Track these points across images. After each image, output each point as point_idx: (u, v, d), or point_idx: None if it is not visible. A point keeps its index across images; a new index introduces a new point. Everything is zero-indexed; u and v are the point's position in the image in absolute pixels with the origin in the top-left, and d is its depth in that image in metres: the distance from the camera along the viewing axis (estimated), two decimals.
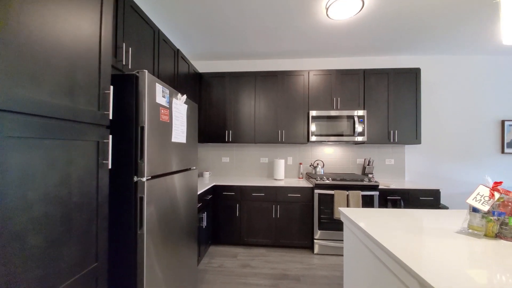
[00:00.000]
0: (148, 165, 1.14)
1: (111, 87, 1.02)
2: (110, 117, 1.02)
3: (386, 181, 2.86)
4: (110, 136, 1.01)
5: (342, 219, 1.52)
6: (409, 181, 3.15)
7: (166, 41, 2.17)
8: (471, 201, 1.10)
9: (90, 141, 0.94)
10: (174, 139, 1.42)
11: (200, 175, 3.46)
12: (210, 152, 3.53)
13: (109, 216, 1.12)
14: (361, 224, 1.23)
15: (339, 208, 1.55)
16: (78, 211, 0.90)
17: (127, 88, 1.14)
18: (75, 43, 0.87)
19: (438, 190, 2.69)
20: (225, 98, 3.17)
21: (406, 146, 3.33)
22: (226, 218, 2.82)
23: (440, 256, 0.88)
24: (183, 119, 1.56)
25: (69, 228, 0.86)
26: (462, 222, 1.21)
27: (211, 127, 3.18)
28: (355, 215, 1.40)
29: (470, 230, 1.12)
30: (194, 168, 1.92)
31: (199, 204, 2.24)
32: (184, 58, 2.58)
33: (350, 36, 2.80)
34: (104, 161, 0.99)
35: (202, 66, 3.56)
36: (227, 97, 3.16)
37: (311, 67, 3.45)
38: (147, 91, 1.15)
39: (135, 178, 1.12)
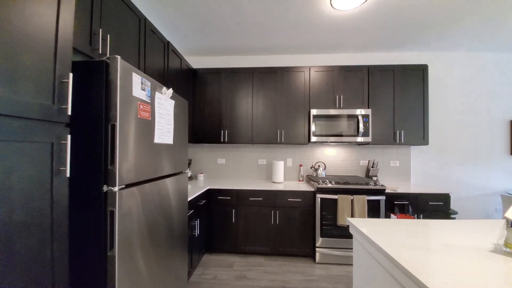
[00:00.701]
0: (121, 171, 0.94)
1: (71, 74, 0.82)
2: (69, 112, 0.82)
3: (392, 185, 2.68)
4: (69, 137, 0.81)
5: (352, 231, 1.33)
6: (415, 184, 2.97)
7: (155, 31, 1.97)
8: (511, 214, 0.91)
9: (40, 142, 0.74)
10: (157, 140, 1.22)
11: (194, 177, 3.25)
12: (204, 153, 3.33)
13: (71, 236, 0.91)
14: (378, 241, 1.03)
15: (348, 218, 1.36)
16: (24, 233, 0.70)
17: (95, 78, 0.94)
18: (21, 18, 0.67)
19: (448, 194, 2.52)
20: (220, 96, 2.97)
21: (412, 147, 3.15)
22: (221, 224, 2.62)
23: (476, 283, 0.69)
24: (169, 116, 1.36)
25: (10, 255, 0.66)
26: (497, 239, 1.02)
27: (205, 127, 2.98)
28: (367, 228, 1.21)
29: (507, 249, 0.93)
30: (185, 172, 1.72)
31: (191, 211, 2.04)
32: (175, 52, 2.38)
33: (354, 30, 2.62)
34: (61, 168, 0.79)
35: (196, 62, 3.36)
36: (223, 95, 2.97)
37: (312, 63, 3.26)
38: (120, 82, 0.95)
39: (105, 188, 0.92)
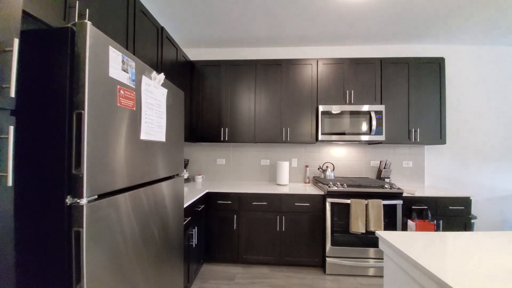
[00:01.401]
0: (91, 176, 0.70)
1: (16, 41, 0.58)
2: (12, 94, 0.57)
3: (409, 188, 2.46)
4: (12, 129, 0.56)
5: (384, 247, 1.09)
6: (430, 187, 2.75)
7: (146, 14, 1.72)
8: None
9: None
10: (145, 136, 0.98)
11: (192, 179, 3.00)
12: (203, 153, 3.08)
13: (21, 267, 0.67)
14: (429, 266, 0.80)
15: (378, 232, 1.12)
16: None
17: (55, 50, 0.69)
18: None
19: (469, 198, 2.31)
20: (220, 90, 2.73)
21: (426, 146, 2.93)
22: (221, 231, 2.37)
23: None
24: (160, 108, 1.12)
25: None
26: None
27: (204, 124, 2.74)
28: (404, 244, 0.98)
29: None
30: (181, 174, 1.47)
31: (188, 219, 1.79)
32: (170, 40, 2.13)
33: (365, 20, 2.40)
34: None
35: (194, 54, 3.11)
36: (223, 89, 2.72)
37: (319, 56, 3.03)
38: (90, 56, 0.70)
39: (68, 200, 0.67)
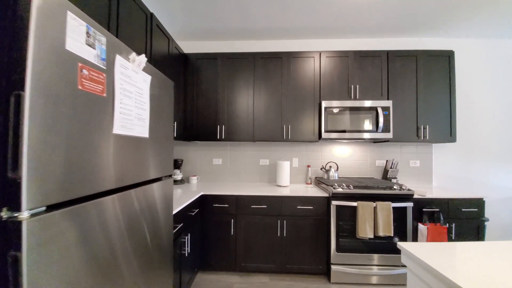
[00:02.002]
0: (36, 182, 0.52)
1: None
2: None
3: (420, 189, 2.30)
4: None
5: (407, 262, 0.92)
6: (439, 187, 2.60)
7: None
8: None
9: None
10: (119, 130, 0.80)
11: (186, 181, 2.82)
12: (198, 153, 2.90)
13: None
14: None
15: (400, 243, 0.96)
16: None
17: None
18: None
19: (482, 199, 2.16)
20: (216, 85, 2.55)
21: (434, 144, 2.78)
22: (217, 237, 2.19)
23: None
24: (142, 97, 0.94)
25: None
26: None
27: (199, 122, 2.55)
28: (437, 260, 0.81)
29: None
30: (169, 176, 1.29)
31: (179, 225, 1.61)
32: (161, 28, 1.95)
33: (370, 11, 2.24)
34: None
35: (189, 47, 2.93)
36: (220, 84, 2.54)
37: (322, 49, 2.86)
38: (36, 21, 0.52)
39: (3, 214, 0.49)
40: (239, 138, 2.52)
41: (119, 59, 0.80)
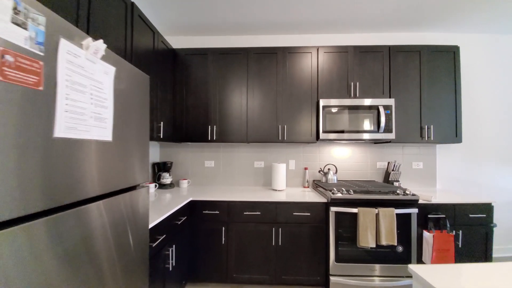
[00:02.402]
0: None
1: None
2: None
3: (425, 193, 2.16)
4: None
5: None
6: (443, 191, 2.45)
7: None
8: None
9: None
10: (63, 133, 0.64)
11: (176, 184, 2.66)
12: (189, 155, 2.74)
13: None
14: None
15: (411, 268, 0.80)
16: None
17: None
18: None
19: (490, 204, 2.01)
20: (207, 83, 2.39)
21: (437, 145, 2.64)
22: (207, 246, 2.03)
23: None
24: (102, 93, 0.78)
25: None
26: None
27: (189, 122, 2.39)
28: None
29: None
30: (143, 184, 1.13)
31: (162, 237, 1.45)
32: (144, 20, 1.79)
33: (371, 3, 2.09)
34: None
35: (178, 43, 2.76)
36: (211, 81, 2.38)
37: (320, 44, 2.71)
38: None
39: None
40: (231, 139, 2.36)
41: (65, 44, 0.64)
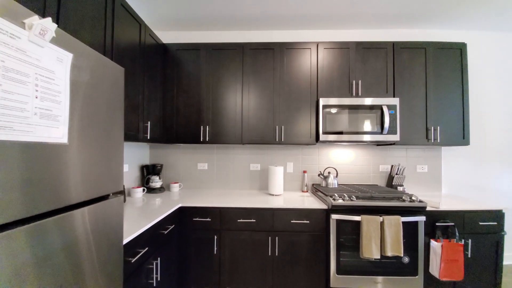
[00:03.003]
0: None
1: None
2: None
3: (432, 200, 2.02)
4: None
5: None
6: (449, 196, 2.32)
7: None
8: None
9: None
10: None
11: (166, 188, 2.50)
12: (180, 157, 2.58)
13: None
14: None
15: None
16: None
17: None
18: None
19: (501, 211, 1.88)
20: (200, 80, 2.24)
21: (443, 148, 2.51)
22: (198, 256, 1.88)
23: None
24: (52, 84, 0.63)
25: None
26: None
27: (180, 122, 2.24)
28: None
29: None
30: (116, 194, 0.97)
31: (145, 249, 1.29)
32: (128, 9, 1.63)
33: None
34: None
35: (169, 38, 2.61)
36: (203, 79, 2.23)
37: (320, 40, 2.57)
38: None
39: None
40: (226, 140, 2.21)
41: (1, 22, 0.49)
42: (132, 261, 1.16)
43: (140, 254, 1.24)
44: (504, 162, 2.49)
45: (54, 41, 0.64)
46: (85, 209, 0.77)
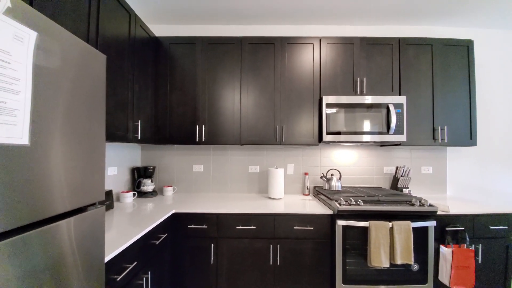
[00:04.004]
0: None
1: None
2: None
3: (442, 203, 1.92)
4: None
5: None
6: (455, 198, 2.23)
7: None
8: None
9: None
10: None
11: (159, 192, 2.34)
12: (175, 158, 2.43)
13: None
14: None
15: None
16: None
17: None
18: None
19: (511, 214, 1.79)
20: (195, 76, 2.09)
21: (448, 149, 2.43)
22: (193, 267, 1.73)
23: None
24: (6, 69, 0.48)
25: None
26: None
27: (174, 121, 2.09)
28: None
29: None
30: (98, 204, 0.83)
31: (133, 264, 1.15)
32: None
33: None
34: None
35: (163, 32, 2.45)
36: (199, 75, 2.09)
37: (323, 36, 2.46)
38: None
39: None
40: (223, 140, 2.07)
41: None
42: (118, 279, 1.02)
43: (129, 269, 1.10)
44: (510, 163, 2.42)
45: (10, 13, 0.49)
46: (53, 225, 0.62)
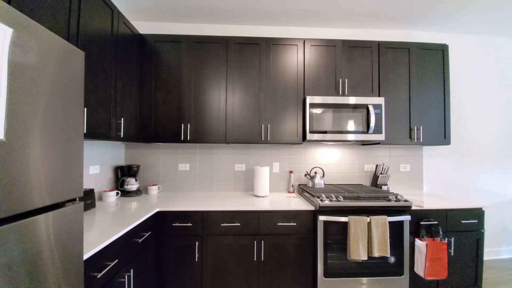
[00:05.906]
0: None
1: None
2: None
3: (417, 199, 2.03)
4: None
5: None
6: (430, 195, 2.36)
7: None
8: None
9: None
10: None
11: (144, 191, 2.32)
12: (160, 157, 2.41)
13: None
14: None
15: None
16: None
17: None
18: None
19: (481, 209, 1.93)
20: (180, 75, 2.09)
21: (424, 147, 2.56)
22: (178, 265, 1.74)
23: None
24: None
25: None
26: None
27: (159, 119, 2.08)
28: None
29: None
30: (74, 202, 0.83)
31: (114, 262, 1.14)
32: None
33: None
34: None
35: (147, 30, 2.43)
36: (184, 73, 2.09)
37: (306, 37, 2.52)
38: None
39: None
40: (208, 139, 2.09)
41: None
42: (98, 276, 1.01)
43: (108, 268, 1.09)
44: (483, 162, 2.59)
45: None
46: (30, 220, 0.62)
